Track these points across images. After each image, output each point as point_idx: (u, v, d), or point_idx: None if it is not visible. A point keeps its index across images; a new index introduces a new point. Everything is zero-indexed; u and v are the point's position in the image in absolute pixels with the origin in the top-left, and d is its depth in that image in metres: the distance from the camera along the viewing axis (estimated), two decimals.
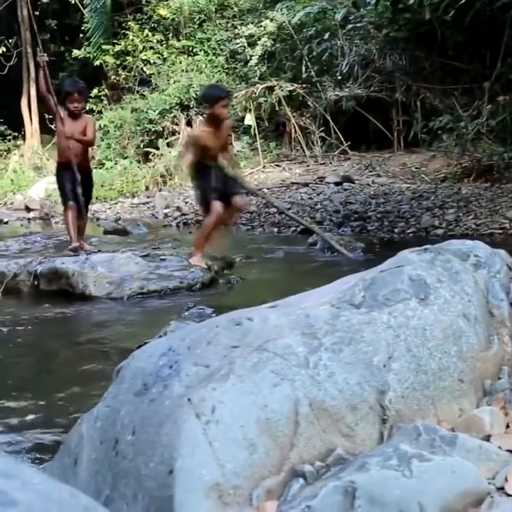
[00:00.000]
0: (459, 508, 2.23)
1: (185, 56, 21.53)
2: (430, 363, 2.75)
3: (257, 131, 18.67)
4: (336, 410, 2.52)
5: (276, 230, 11.37)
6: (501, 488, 2.39)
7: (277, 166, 17.78)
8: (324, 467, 2.41)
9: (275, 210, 12.00)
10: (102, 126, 20.77)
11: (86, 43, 22.71)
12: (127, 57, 21.65)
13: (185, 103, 19.81)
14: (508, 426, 2.73)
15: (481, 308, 3.05)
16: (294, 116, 18.41)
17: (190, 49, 21.60)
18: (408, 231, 9.96)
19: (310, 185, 14.56)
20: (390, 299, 2.87)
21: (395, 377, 2.65)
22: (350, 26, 17.87)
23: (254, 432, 2.40)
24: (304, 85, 18.22)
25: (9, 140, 24.22)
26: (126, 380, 2.80)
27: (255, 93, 18.61)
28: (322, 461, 2.44)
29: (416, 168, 15.10)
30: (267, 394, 2.48)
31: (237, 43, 20.26)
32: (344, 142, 17.77)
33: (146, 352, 2.91)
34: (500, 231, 9.51)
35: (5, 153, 23.83)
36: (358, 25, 17.86)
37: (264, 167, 17.81)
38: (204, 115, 8.06)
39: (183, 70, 20.90)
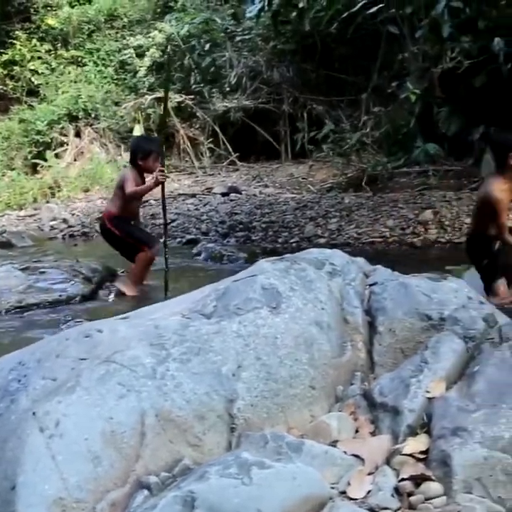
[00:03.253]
0: None
1: (74, 66, 21.24)
2: (281, 371, 2.78)
3: None
4: (183, 420, 2.53)
5: (161, 240, 11.31)
6: (344, 492, 2.43)
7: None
8: (170, 478, 2.41)
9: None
10: None
11: None
12: (15, 67, 21.21)
13: (74, 114, 19.55)
14: (357, 431, 2.77)
15: (334, 316, 3.10)
16: (183, 128, 18.39)
17: (79, 59, 21.34)
18: (291, 241, 10.04)
19: (197, 196, 14.56)
20: (241, 308, 2.89)
21: (243, 386, 2.67)
22: (238, 38, 18.01)
23: (98, 445, 2.38)
24: (193, 96, 18.23)
25: None
26: None
27: (144, 104, 18.53)
28: (168, 471, 2.44)
29: (303, 178, 15.26)
30: (113, 406, 2.47)
31: (126, 54, 20.15)
32: (233, 153, 17.86)
33: None
34: (381, 239, 9.70)
35: None
36: (246, 37, 18.01)
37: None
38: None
39: (72, 81, 20.62)
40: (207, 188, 15.33)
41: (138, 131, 18.40)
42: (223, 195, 14.14)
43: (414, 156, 13.66)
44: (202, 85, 18.12)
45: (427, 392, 2.73)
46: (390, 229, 9.92)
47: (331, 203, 11.92)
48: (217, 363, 2.68)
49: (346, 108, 16.55)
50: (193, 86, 18.24)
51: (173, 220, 12.25)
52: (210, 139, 18.21)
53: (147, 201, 14.46)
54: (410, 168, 13.82)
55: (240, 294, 2.97)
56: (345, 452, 2.57)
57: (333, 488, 2.43)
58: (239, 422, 2.61)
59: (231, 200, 13.53)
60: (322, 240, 9.79)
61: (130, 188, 7.27)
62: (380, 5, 12.47)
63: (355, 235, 9.95)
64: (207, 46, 17.58)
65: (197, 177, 17.18)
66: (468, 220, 9.86)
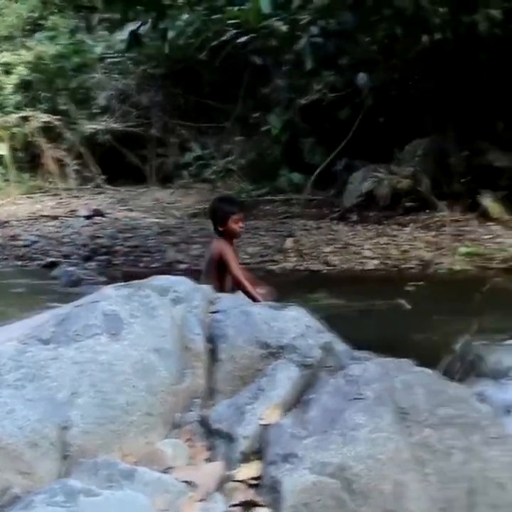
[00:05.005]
0: None
1: None
2: (117, 398, 2.78)
3: (10, 162, 18.20)
4: (14, 448, 2.50)
5: (20, 263, 11.08)
6: None
7: (29, 197, 17.38)
8: None
9: (22, 242, 11.76)
10: None
11: None
12: None
13: None
14: (193, 457, 2.80)
15: (176, 343, 3.11)
16: (49, 148, 18.12)
17: None
18: (153, 265, 9.99)
19: (60, 218, 14.33)
20: (81, 335, 2.88)
21: (78, 413, 2.66)
22: (109, 60, 17.98)
23: None
24: (61, 117, 17.99)
25: None
26: None
27: (10, 122, 18.16)
28: None
29: (168, 203, 15.22)
30: None
31: None
32: (99, 175, 17.71)
33: None
34: (242, 266, 9.75)
35: None
36: (117, 59, 17.99)
37: (15, 199, 17.35)
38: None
39: None
40: (70, 210, 15.09)
41: (2, 150, 18.03)
42: (87, 217, 13.97)
43: (279, 185, 13.94)
44: (70, 106, 17.95)
45: (261, 419, 2.78)
46: (250, 256, 10.01)
47: (194, 229, 11.97)
48: (53, 389, 2.67)
49: (214, 135, 16.69)
50: (61, 106, 18.05)
51: (34, 242, 12.03)
52: (77, 161, 18.00)
53: (8, 222, 14.19)
54: (275, 196, 14.04)
55: (80, 320, 2.96)
56: (177, 479, 2.59)
57: None
58: (72, 449, 2.60)
59: (94, 223, 13.40)
60: (183, 266, 9.79)
61: (235, 270, 6.24)
62: (251, 35, 12.69)
63: None
64: (84, 68, 17.47)
65: (61, 199, 16.89)
66: (326, 249, 10.15)
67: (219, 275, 6.26)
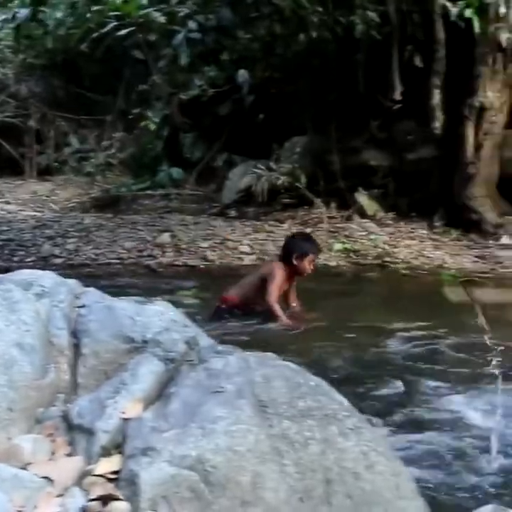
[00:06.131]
0: None
1: None
2: None
3: None
4: None
5: None
6: None
7: None
8: None
9: None
10: None
11: None
12: None
13: None
14: (54, 453, 2.78)
15: (39, 338, 3.09)
16: None
17: None
18: (28, 260, 9.84)
19: None
20: None
21: None
22: None
23: None
24: None
25: None
26: None
27: None
28: None
29: (46, 196, 15.02)
30: None
31: None
32: None
33: None
34: (118, 261, 9.76)
35: None
36: None
37: None
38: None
39: None
40: None
41: None
42: None
43: (159, 180, 13.93)
44: None
45: (123, 413, 2.79)
46: (127, 251, 10.02)
47: (71, 223, 11.86)
48: None
49: (94, 127, 16.55)
50: None
51: None
52: None
53: None
54: (155, 191, 14.02)
55: None
56: (36, 474, 2.57)
57: (20, 511, 2.42)
58: None
59: None
60: (59, 260, 9.73)
61: (272, 293, 6.55)
62: (131, 28, 12.60)
63: (93, 256, 9.96)
64: None
65: None
66: (204, 244, 10.21)
67: (258, 289, 6.66)
